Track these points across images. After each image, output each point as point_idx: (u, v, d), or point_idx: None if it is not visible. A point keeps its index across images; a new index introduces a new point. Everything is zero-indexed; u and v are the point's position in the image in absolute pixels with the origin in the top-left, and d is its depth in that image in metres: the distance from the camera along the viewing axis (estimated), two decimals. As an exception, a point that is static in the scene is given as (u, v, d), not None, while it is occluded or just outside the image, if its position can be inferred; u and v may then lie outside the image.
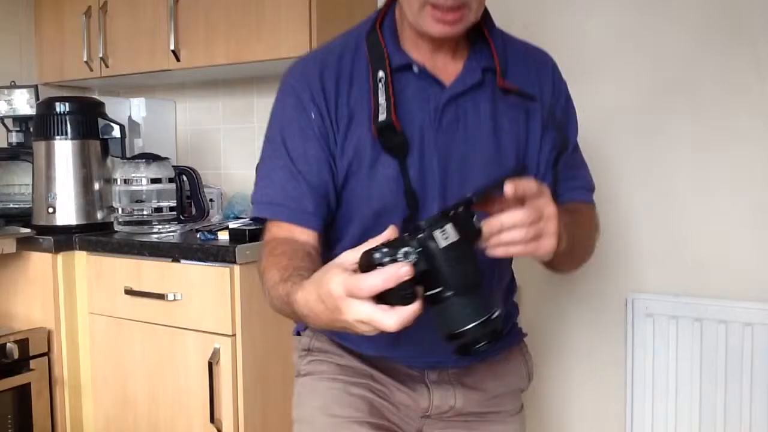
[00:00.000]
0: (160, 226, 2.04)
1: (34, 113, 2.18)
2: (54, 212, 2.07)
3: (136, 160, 2.06)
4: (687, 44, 1.74)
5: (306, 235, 0.97)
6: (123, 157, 2.13)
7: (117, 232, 2.06)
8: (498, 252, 0.76)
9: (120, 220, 2.07)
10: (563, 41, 1.84)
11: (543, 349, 1.96)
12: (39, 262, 2.02)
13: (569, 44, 1.85)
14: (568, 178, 1.07)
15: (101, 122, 2.14)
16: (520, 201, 0.77)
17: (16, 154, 2.30)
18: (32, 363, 1.97)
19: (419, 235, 0.68)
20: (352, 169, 0.98)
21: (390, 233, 0.71)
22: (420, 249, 0.67)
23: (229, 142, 2.57)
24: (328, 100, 0.98)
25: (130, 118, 2.47)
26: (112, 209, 2.10)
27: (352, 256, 0.69)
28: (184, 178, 2.08)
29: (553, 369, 1.98)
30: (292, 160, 0.98)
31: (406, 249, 0.66)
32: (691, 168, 1.76)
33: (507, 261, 1.13)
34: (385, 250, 0.66)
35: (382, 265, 0.65)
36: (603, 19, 1.85)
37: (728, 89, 1.70)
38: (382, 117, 0.95)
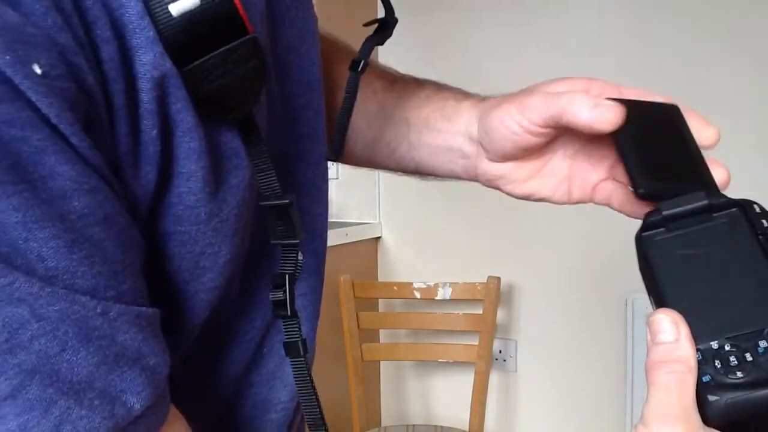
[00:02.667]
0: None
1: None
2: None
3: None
4: (687, 43, 1.74)
5: None
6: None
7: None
8: None
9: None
10: (562, 37, 1.84)
11: (542, 350, 1.96)
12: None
13: (568, 42, 1.85)
14: None
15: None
16: None
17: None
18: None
19: None
20: (172, 193, 0.34)
21: None
22: None
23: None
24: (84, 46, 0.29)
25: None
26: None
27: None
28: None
29: (552, 370, 1.98)
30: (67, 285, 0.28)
31: None
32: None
33: None
34: None
35: None
36: (603, 17, 1.85)
37: (729, 88, 1.70)
38: None
